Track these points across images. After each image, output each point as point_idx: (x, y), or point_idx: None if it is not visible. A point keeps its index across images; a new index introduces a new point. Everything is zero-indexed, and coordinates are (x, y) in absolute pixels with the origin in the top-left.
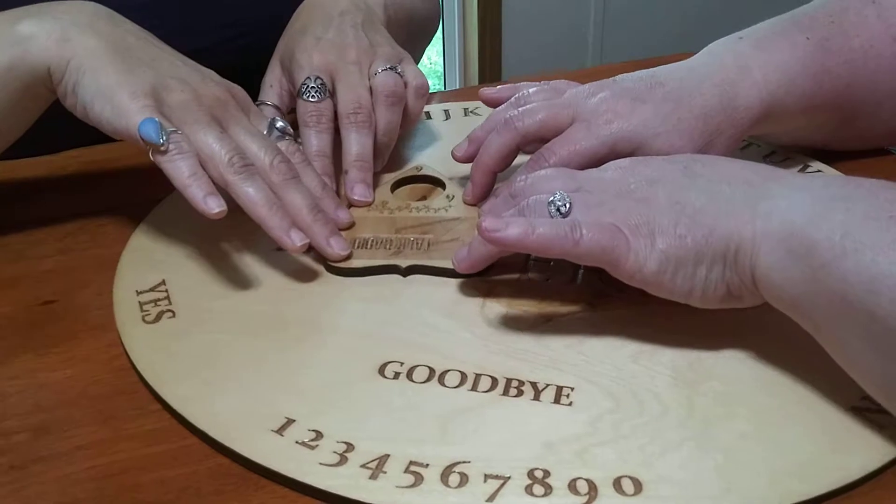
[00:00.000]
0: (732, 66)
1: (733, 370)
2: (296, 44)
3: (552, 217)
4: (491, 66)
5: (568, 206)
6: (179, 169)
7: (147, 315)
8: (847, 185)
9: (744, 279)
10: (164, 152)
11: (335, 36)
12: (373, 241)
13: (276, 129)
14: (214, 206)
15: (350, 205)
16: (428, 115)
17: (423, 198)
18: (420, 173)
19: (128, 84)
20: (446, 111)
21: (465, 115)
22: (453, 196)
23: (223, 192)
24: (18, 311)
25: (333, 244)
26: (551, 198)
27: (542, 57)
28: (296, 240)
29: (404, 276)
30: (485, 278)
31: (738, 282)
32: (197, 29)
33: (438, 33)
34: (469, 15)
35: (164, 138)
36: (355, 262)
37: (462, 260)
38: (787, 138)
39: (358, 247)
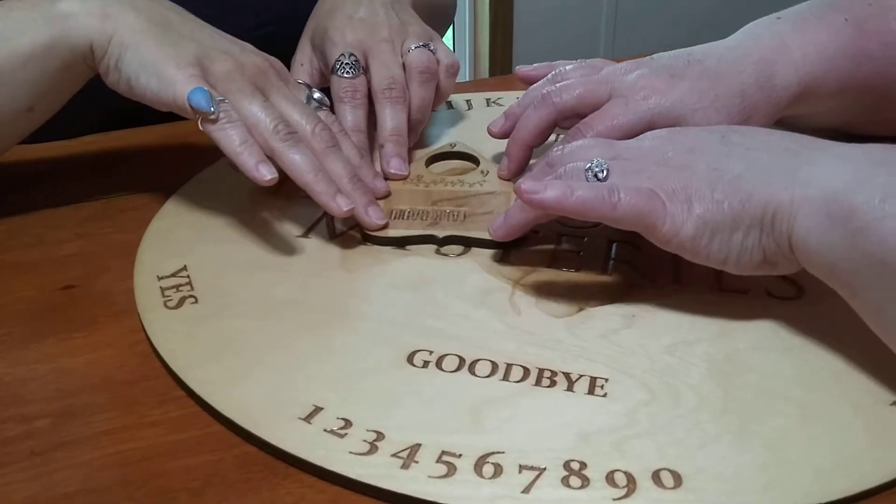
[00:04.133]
0: (770, 45)
1: (771, 363)
2: (327, 22)
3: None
4: (501, 63)
5: (605, 172)
6: (230, 138)
7: (169, 301)
8: (888, 151)
9: (780, 245)
10: (215, 121)
11: (366, 14)
12: (409, 212)
13: (314, 99)
14: (266, 173)
15: (385, 178)
16: (450, 105)
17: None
18: (454, 150)
19: (173, 56)
20: (468, 101)
21: (488, 105)
22: (488, 171)
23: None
24: (39, 296)
25: (371, 213)
26: (588, 164)
27: (553, 54)
28: (342, 204)
29: (441, 245)
30: (517, 257)
31: (774, 248)
32: (221, 18)
33: (449, 30)
34: (480, 11)
35: (215, 107)
36: (392, 232)
37: (498, 228)
38: (819, 120)
39: (395, 217)
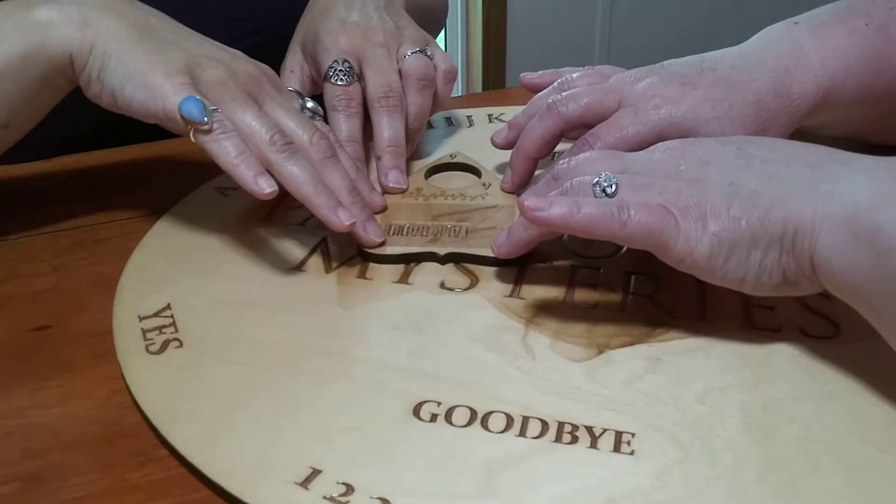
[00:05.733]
0: (787, 51)
1: (813, 412)
2: (319, 27)
3: (597, 198)
4: (495, 70)
5: (614, 187)
6: (226, 149)
7: (151, 344)
8: None
9: (801, 264)
10: (208, 132)
11: (360, 18)
12: (409, 227)
13: (308, 109)
14: (266, 186)
15: (383, 191)
16: (449, 122)
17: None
18: (454, 160)
19: (160, 64)
20: (469, 117)
21: (490, 121)
22: (490, 184)
23: None
24: (8, 339)
25: (369, 230)
26: (596, 179)
27: (547, 60)
28: (343, 218)
29: (442, 263)
30: (528, 291)
31: (794, 267)
32: (207, 25)
33: (441, 35)
34: (473, 17)
35: (208, 117)
36: (391, 249)
37: (501, 245)
38: (838, 130)
39: (393, 233)
